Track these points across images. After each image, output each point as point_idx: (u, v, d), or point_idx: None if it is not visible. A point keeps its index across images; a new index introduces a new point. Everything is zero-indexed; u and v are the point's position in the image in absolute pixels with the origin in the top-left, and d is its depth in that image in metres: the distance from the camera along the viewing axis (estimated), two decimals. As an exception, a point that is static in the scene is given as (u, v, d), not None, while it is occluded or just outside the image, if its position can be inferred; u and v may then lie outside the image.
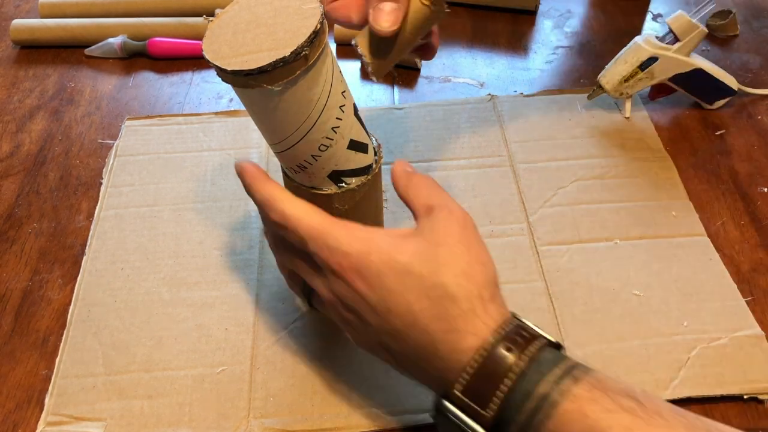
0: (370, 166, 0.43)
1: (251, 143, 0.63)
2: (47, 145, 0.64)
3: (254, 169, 0.40)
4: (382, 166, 0.45)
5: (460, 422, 0.33)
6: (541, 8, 0.80)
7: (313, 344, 0.48)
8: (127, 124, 0.65)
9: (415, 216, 0.38)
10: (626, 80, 0.62)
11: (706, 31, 0.60)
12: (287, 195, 0.38)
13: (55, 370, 0.47)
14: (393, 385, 0.46)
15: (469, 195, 0.58)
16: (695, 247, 0.54)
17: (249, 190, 0.40)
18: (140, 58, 0.73)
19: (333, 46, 0.75)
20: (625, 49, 0.62)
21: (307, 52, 0.35)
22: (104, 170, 0.61)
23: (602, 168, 0.60)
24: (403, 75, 0.71)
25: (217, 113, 0.66)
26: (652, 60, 0.60)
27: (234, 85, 0.37)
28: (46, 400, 0.45)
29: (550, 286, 0.51)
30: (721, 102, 0.65)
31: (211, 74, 0.72)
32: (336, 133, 0.40)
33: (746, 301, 0.50)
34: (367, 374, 0.47)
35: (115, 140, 0.64)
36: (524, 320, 0.35)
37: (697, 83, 0.63)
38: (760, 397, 0.45)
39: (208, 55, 0.36)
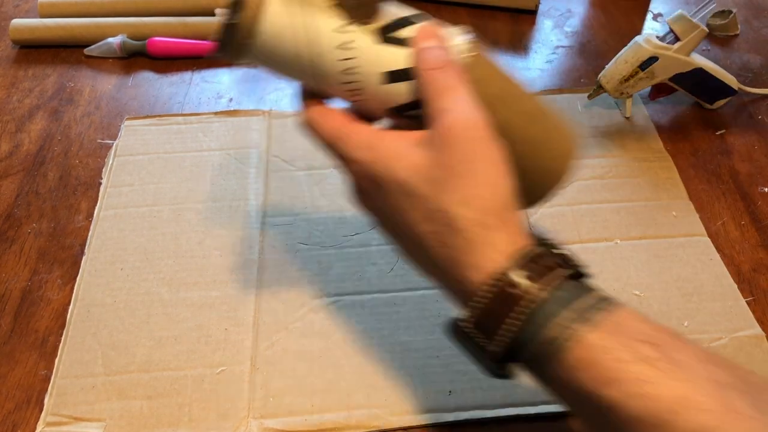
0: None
1: (251, 143, 0.63)
2: (46, 145, 0.64)
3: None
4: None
5: (470, 348, 0.32)
6: (542, 8, 0.80)
7: (313, 344, 0.48)
8: (126, 123, 0.65)
9: (429, 114, 0.33)
10: (626, 80, 0.62)
11: (707, 30, 0.60)
12: (314, 102, 0.37)
13: (54, 371, 0.47)
14: (393, 385, 0.46)
15: (469, 195, 0.58)
16: (695, 247, 0.54)
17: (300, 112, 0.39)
18: (140, 57, 0.73)
19: None
20: (625, 48, 0.62)
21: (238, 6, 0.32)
22: (104, 170, 0.61)
23: (602, 168, 0.60)
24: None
25: (216, 113, 0.66)
26: (653, 60, 0.60)
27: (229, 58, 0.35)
28: (46, 401, 0.45)
29: (550, 286, 0.51)
30: (722, 102, 0.65)
31: (211, 74, 0.71)
32: (355, 74, 0.34)
33: (747, 302, 0.50)
34: (367, 374, 0.46)
35: (115, 140, 0.64)
36: (546, 242, 0.32)
37: (697, 83, 0.63)
38: (761, 397, 0.45)
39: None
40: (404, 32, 0.35)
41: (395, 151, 0.33)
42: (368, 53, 0.34)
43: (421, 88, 0.34)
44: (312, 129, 0.36)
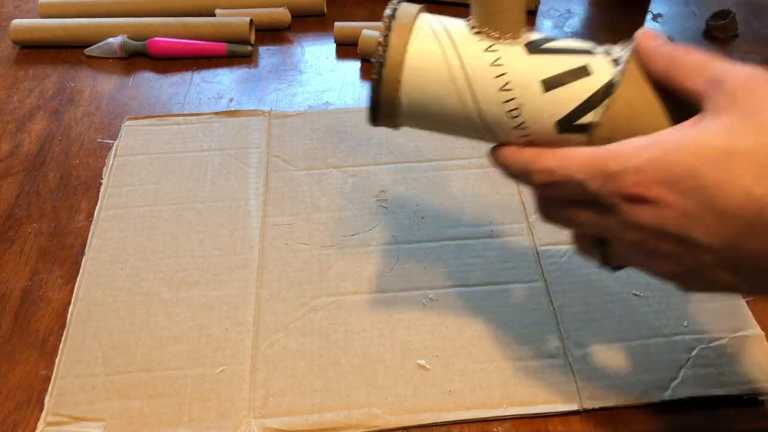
0: (608, 85, 0.32)
1: (251, 143, 0.63)
2: (47, 145, 0.64)
3: (505, 147, 0.35)
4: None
5: None
6: (541, 8, 0.80)
7: (313, 344, 0.48)
8: (126, 124, 0.65)
9: (696, 96, 0.30)
10: None
11: None
12: (542, 149, 0.33)
13: (54, 370, 0.47)
14: (392, 384, 0.46)
15: (469, 195, 0.58)
16: (695, 247, 0.54)
17: (505, 164, 0.35)
18: (140, 58, 0.73)
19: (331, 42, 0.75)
20: None
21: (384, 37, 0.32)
22: (104, 170, 0.61)
23: (602, 168, 0.60)
24: (403, 75, 0.71)
25: (216, 113, 0.66)
26: None
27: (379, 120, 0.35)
28: (46, 400, 0.45)
29: (550, 286, 0.51)
30: None
31: (211, 74, 0.72)
32: (511, 90, 0.32)
33: (746, 301, 0.50)
34: (367, 374, 0.47)
35: (115, 140, 0.64)
36: None
37: None
38: (760, 397, 0.45)
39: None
40: (551, 44, 0.33)
41: (684, 133, 0.29)
42: (520, 65, 0.33)
43: (669, 70, 0.31)
44: (560, 171, 0.32)
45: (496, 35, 0.33)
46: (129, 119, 0.66)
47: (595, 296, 0.51)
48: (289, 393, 0.46)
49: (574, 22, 0.78)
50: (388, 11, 0.33)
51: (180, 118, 0.66)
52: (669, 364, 0.46)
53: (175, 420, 0.45)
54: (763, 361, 0.47)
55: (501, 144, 0.35)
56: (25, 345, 0.49)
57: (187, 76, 0.72)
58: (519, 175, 0.34)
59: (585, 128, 0.33)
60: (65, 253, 0.55)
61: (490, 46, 0.33)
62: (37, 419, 0.45)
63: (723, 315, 0.49)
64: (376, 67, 0.33)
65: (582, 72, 0.32)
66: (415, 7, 0.34)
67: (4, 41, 0.76)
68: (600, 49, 0.34)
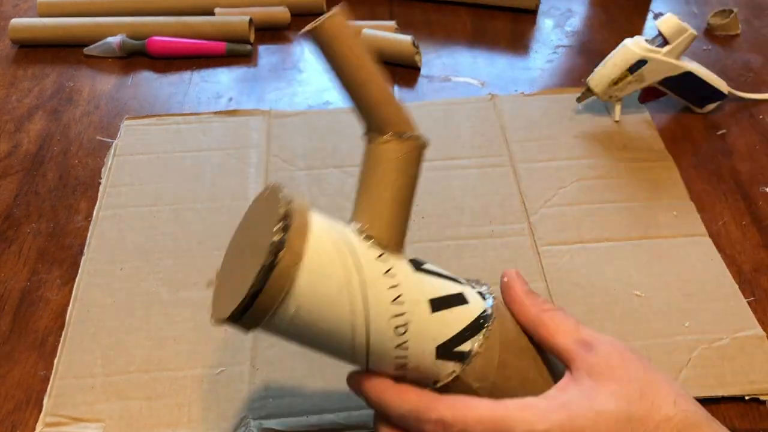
0: (484, 316, 0.32)
1: (251, 143, 0.63)
2: (46, 145, 0.64)
3: (381, 380, 0.32)
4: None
5: None
6: (542, 7, 0.80)
7: (313, 345, 0.48)
8: (126, 123, 0.65)
9: (564, 353, 0.31)
10: (615, 83, 0.61)
11: (696, 34, 0.59)
12: (432, 395, 0.31)
13: (53, 371, 0.47)
14: (393, 385, 0.46)
15: (469, 195, 0.58)
16: (696, 248, 0.54)
17: (383, 403, 0.31)
18: (139, 57, 0.73)
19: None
20: (614, 51, 0.62)
21: (265, 286, 0.28)
22: (103, 170, 0.61)
23: (603, 168, 0.60)
24: (404, 74, 0.71)
25: (216, 113, 0.66)
26: (642, 63, 0.60)
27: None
28: (45, 401, 0.45)
29: (550, 287, 0.51)
30: (712, 106, 0.65)
31: (210, 73, 0.71)
32: (402, 305, 0.30)
33: (748, 302, 0.50)
34: (367, 375, 0.46)
35: (114, 140, 0.64)
36: None
37: (686, 86, 0.63)
38: (762, 398, 0.45)
39: (213, 308, 0.32)
40: (427, 266, 0.33)
41: (546, 403, 0.29)
42: (411, 279, 0.31)
43: (539, 328, 0.32)
44: (454, 423, 0.29)
45: (384, 243, 0.31)
46: (128, 119, 0.66)
47: (596, 296, 0.50)
48: (289, 394, 0.46)
49: (575, 22, 0.78)
50: (281, 208, 0.29)
51: (179, 117, 0.66)
52: (670, 365, 0.46)
53: (175, 421, 0.44)
54: (764, 362, 0.46)
55: (368, 372, 0.32)
56: (23, 345, 0.49)
57: (186, 75, 0.71)
58: (402, 419, 0.30)
59: (462, 357, 0.31)
60: (64, 253, 0.54)
61: (381, 255, 0.31)
62: (36, 420, 0.44)
63: (724, 315, 0.49)
64: (262, 270, 0.28)
65: (461, 299, 0.32)
66: (305, 202, 0.31)
67: (2, 40, 0.76)
68: (463, 280, 0.34)
